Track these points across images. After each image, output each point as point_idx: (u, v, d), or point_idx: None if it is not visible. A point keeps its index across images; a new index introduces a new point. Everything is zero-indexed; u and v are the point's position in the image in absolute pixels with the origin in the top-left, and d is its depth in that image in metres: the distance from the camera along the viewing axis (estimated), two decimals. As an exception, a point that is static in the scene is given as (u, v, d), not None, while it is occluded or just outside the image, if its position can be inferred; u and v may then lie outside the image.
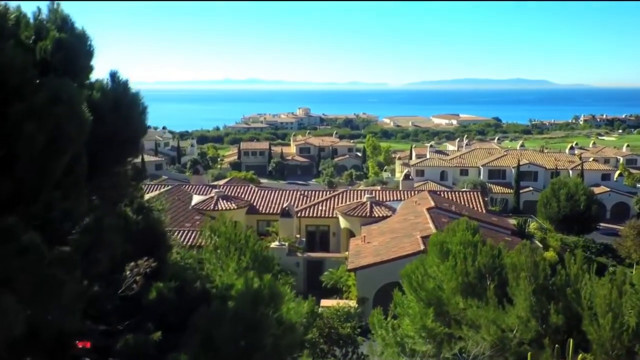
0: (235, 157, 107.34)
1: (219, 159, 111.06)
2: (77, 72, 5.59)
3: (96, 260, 5.07)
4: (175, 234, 32.69)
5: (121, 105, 5.67)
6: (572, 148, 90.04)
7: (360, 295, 29.13)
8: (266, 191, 44.15)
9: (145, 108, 6.13)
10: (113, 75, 5.95)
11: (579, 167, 69.83)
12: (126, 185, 6.09)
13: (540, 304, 14.92)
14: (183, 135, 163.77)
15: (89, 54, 5.81)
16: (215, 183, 51.35)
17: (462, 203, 40.76)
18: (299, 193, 43.49)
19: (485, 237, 32.10)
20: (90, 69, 5.93)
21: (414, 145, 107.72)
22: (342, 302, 28.53)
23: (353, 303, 28.54)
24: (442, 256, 17.85)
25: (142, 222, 7.31)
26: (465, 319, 15.99)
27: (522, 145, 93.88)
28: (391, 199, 41.29)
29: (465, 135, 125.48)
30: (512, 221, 46.48)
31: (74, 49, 5.54)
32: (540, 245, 37.55)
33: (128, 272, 6.04)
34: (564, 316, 14.74)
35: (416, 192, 43.29)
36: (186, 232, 32.99)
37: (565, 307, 14.87)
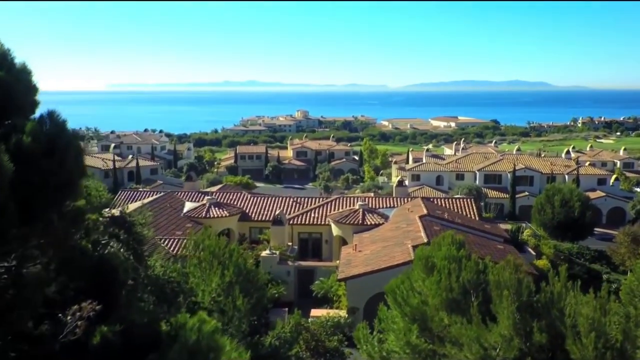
0: (232, 160, 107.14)
1: (215, 163, 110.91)
2: (15, 111, 5.39)
3: (15, 318, 4.88)
4: (165, 242, 32.53)
5: (55, 149, 5.46)
6: (568, 152, 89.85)
7: (350, 305, 28.92)
8: (259, 198, 43.93)
9: (83, 150, 5.91)
10: (50, 115, 5.74)
11: (575, 172, 69.72)
12: (65, 229, 5.89)
13: (523, 322, 14.71)
14: (181, 138, 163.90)
15: (29, 90, 5.61)
16: (208, 190, 51.14)
17: (456, 210, 40.56)
18: (291, 200, 43.28)
19: (477, 245, 32.01)
20: (32, 105, 5.72)
21: (411, 149, 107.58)
22: (332, 312, 28.37)
23: (343, 313, 28.37)
24: (427, 271, 17.65)
25: (95, 257, 7.10)
26: (448, 337, 15.79)
27: (518, 149, 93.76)
28: (384, 205, 41.09)
29: (463, 139, 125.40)
30: (508, 226, 46.34)
31: (10, 87, 5.34)
32: (534, 253, 37.38)
33: (69, 318, 5.84)
34: (547, 334, 14.52)
35: (410, 198, 43.11)
36: (176, 240, 32.78)
37: (549, 325, 14.66)
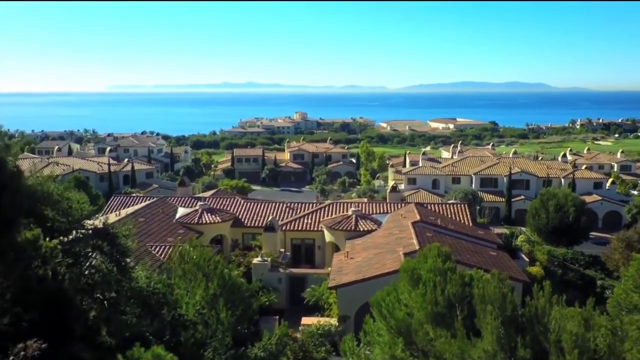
0: (229, 163, 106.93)
1: (212, 166, 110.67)
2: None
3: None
4: (156, 249, 32.35)
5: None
6: (564, 156, 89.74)
7: (341, 313, 28.72)
8: (252, 203, 43.73)
9: (21, 188, 5.72)
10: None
11: (571, 176, 69.56)
12: (9, 264, 5.72)
13: (508, 337, 14.54)
14: (179, 140, 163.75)
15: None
16: (201, 195, 50.91)
17: (449, 215, 40.38)
18: (285, 206, 43.07)
19: (469, 252, 31.82)
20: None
21: (408, 152, 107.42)
22: (323, 320, 28.21)
23: (334, 321, 28.19)
24: (413, 283, 17.48)
25: (51, 288, 6.93)
26: (432, 351, 15.62)
27: (515, 153, 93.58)
28: (378, 211, 40.92)
29: (460, 141, 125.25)
30: (504, 231, 46.17)
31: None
32: (527, 259, 37.20)
33: (12, 358, 5.66)
34: (531, 350, 14.35)
35: (404, 204, 42.93)
36: (167, 247, 32.57)
37: (533, 341, 14.49)
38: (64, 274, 14.47)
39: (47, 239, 14.75)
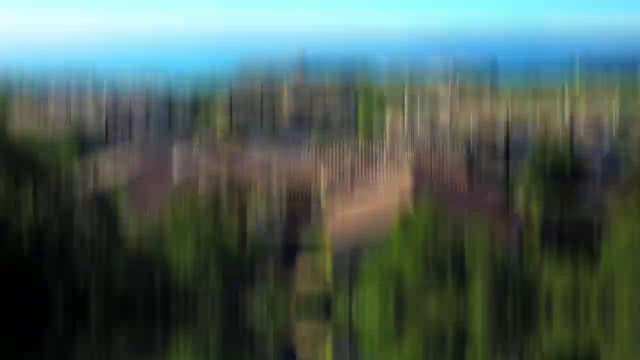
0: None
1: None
2: None
3: None
4: (150, 200, 32.31)
5: None
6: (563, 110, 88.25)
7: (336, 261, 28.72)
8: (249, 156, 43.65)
9: None
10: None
11: (569, 131, 68.85)
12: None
13: (496, 285, 14.66)
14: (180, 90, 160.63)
15: None
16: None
17: (448, 175, 40.21)
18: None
19: (465, 212, 31.80)
20: None
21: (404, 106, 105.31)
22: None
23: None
24: (407, 233, 17.63)
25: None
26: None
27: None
28: (375, 165, 40.89)
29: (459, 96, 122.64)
30: (501, 192, 46.02)
31: None
32: (523, 220, 37.19)
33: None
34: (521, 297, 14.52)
35: (401, 162, 42.71)
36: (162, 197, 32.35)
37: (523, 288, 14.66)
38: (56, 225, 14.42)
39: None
